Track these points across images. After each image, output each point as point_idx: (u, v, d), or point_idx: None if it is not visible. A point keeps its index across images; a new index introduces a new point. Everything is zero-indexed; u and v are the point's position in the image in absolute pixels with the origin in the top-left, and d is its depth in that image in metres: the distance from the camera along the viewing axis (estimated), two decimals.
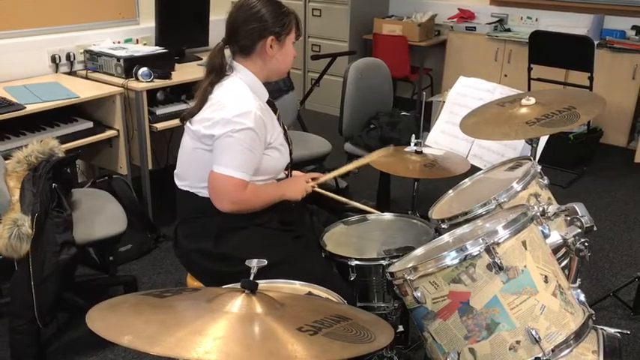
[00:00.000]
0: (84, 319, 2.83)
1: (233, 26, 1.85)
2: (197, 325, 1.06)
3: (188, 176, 1.91)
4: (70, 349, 2.46)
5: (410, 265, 1.46)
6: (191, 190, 1.90)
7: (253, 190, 1.84)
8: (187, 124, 1.88)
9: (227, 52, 1.91)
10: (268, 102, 1.94)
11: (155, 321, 1.07)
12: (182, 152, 1.94)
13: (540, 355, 1.33)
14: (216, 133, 1.76)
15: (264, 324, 1.11)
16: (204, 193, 1.87)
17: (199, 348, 0.98)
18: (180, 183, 1.94)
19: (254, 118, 1.75)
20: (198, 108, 1.83)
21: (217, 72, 1.86)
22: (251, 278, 1.20)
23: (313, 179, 2.10)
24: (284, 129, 1.98)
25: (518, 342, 1.34)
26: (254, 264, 1.23)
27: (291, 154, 2.01)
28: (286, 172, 2.04)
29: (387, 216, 2.20)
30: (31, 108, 2.75)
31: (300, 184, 1.99)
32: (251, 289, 1.17)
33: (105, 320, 1.07)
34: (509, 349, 1.34)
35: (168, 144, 3.78)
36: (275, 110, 1.97)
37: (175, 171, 1.97)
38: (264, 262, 1.26)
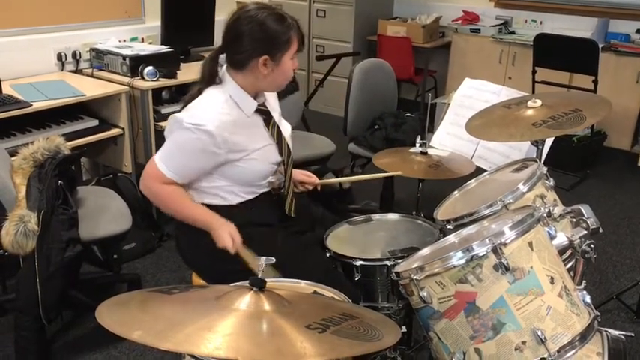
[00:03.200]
0: (88, 316, 2.84)
1: (227, 37, 1.79)
2: (206, 322, 1.06)
3: None
4: (75, 346, 2.46)
5: (416, 264, 1.47)
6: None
7: (174, 192, 1.80)
8: None
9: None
10: (260, 111, 1.88)
11: (164, 317, 1.08)
12: None
13: (546, 356, 1.33)
14: (172, 128, 1.78)
15: (273, 321, 1.12)
16: (198, 195, 1.87)
17: (209, 344, 0.99)
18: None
19: (204, 132, 1.71)
20: None
21: (208, 80, 1.83)
22: (259, 276, 1.21)
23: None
24: (278, 138, 1.92)
25: (524, 342, 1.35)
26: (262, 261, 1.24)
27: (286, 164, 1.95)
28: (276, 177, 1.98)
29: (392, 216, 2.21)
30: (37, 105, 2.76)
31: (225, 232, 1.77)
32: (259, 286, 1.18)
33: (114, 316, 1.07)
34: (515, 349, 1.35)
35: None
36: (268, 120, 1.90)
37: None
38: (272, 259, 1.26)
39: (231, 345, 1.00)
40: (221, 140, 1.75)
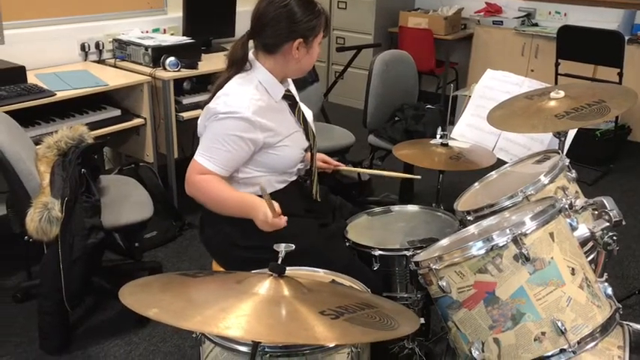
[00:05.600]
0: (110, 302, 2.88)
1: (260, 21, 1.79)
2: (223, 304, 1.08)
3: None
4: (96, 332, 2.50)
5: (436, 254, 1.46)
6: None
7: (209, 180, 1.76)
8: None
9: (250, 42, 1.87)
10: (287, 96, 1.90)
11: (184, 298, 1.10)
12: None
13: (566, 347, 1.32)
14: (207, 124, 1.78)
15: (289, 306, 1.13)
16: (234, 186, 1.86)
17: (220, 323, 1.00)
18: None
19: (240, 118, 1.72)
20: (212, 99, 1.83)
21: (238, 66, 1.83)
22: (279, 262, 1.21)
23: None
24: (304, 123, 1.94)
25: (543, 333, 1.34)
26: (282, 248, 1.25)
27: (312, 149, 1.98)
28: (304, 164, 2.00)
29: (411, 208, 2.20)
30: (61, 95, 2.80)
31: (262, 211, 1.69)
32: (279, 272, 1.19)
33: (136, 295, 1.09)
34: (535, 339, 1.34)
35: (193, 134, 3.81)
36: (294, 105, 1.93)
37: None
38: (292, 246, 1.27)
39: (242, 325, 1.01)
40: (258, 125, 1.76)
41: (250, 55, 1.85)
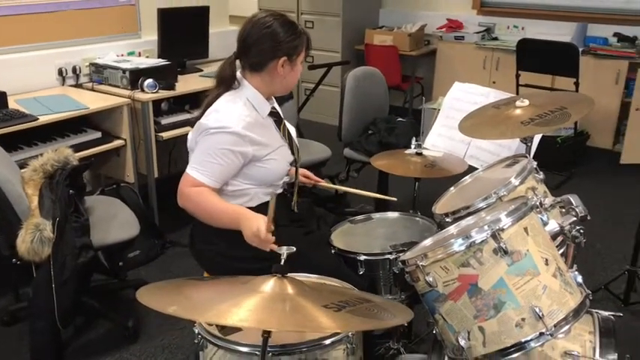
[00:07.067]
0: (99, 321, 2.90)
1: (245, 42, 1.90)
2: (234, 301, 1.18)
3: None
4: (88, 350, 2.54)
5: (421, 252, 1.58)
6: None
7: (205, 190, 1.83)
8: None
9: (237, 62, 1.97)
10: (273, 113, 2.01)
11: (197, 297, 1.19)
12: None
13: (544, 330, 1.45)
14: (198, 139, 1.87)
15: (294, 301, 1.23)
16: (224, 199, 1.93)
17: (235, 316, 1.10)
18: None
19: (231, 133, 1.82)
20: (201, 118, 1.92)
21: (226, 84, 1.94)
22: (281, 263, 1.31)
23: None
24: (289, 139, 2.05)
25: (523, 319, 1.46)
26: (283, 250, 1.34)
27: (296, 162, 2.09)
28: (289, 177, 2.10)
29: (391, 215, 2.32)
30: (43, 119, 2.85)
31: (260, 219, 1.70)
32: (282, 273, 1.28)
33: (153, 296, 1.18)
34: (515, 325, 1.46)
35: (170, 153, 3.87)
36: (279, 121, 2.04)
37: None
38: (294, 248, 1.37)
39: (255, 317, 1.11)
40: (248, 139, 1.86)
41: (238, 74, 1.95)
